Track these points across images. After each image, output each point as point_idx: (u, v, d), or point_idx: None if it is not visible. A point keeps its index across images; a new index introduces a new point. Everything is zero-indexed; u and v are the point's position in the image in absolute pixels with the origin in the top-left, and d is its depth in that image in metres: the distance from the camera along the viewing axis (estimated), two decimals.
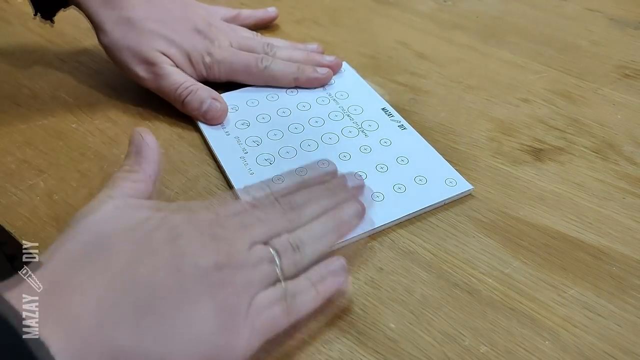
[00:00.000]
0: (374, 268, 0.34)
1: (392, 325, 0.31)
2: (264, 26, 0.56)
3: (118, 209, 0.27)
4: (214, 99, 0.43)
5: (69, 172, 0.40)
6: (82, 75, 0.49)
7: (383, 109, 0.45)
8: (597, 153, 0.43)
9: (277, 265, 0.28)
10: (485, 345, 0.30)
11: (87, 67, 0.50)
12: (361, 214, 0.33)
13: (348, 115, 0.45)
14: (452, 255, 0.35)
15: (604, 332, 0.31)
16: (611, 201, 0.39)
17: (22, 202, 0.37)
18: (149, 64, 0.43)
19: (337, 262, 0.30)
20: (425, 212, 0.37)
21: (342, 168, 0.39)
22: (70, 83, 0.48)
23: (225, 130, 0.43)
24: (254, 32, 0.51)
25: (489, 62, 0.53)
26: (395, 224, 0.37)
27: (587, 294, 0.33)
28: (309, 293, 0.29)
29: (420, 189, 0.38)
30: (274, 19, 0.56)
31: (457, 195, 0.38)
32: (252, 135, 0.42)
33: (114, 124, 0.44)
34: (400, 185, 0.38)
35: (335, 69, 0.49)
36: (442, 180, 0.39)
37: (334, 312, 0.31)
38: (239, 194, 0.32)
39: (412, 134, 0.43)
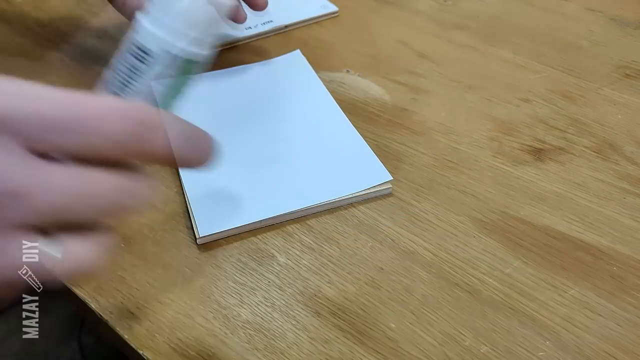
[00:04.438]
0: (374, 268, 0.34)
1: (393, 325, 0.31)
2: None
3: None
4: None
5: None
6: (82, 75, 0.49)
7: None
8: (597, 153, 0.43)
9: None
10: (486, 345, 0.30)
11: (87, 67, 0.50)
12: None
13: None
14: (453, 255, 0.35)
15: (604, 332, 0.31)
16: (612, 201, 0.39)
17: None
18: None
19: None
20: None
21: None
22: (70, 83, 0.48)
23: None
24: None
25: (490, 62, 0.52)
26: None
27: (588, 294, 0.33)
28: None
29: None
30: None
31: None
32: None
33: None
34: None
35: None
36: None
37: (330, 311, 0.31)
38: None
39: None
